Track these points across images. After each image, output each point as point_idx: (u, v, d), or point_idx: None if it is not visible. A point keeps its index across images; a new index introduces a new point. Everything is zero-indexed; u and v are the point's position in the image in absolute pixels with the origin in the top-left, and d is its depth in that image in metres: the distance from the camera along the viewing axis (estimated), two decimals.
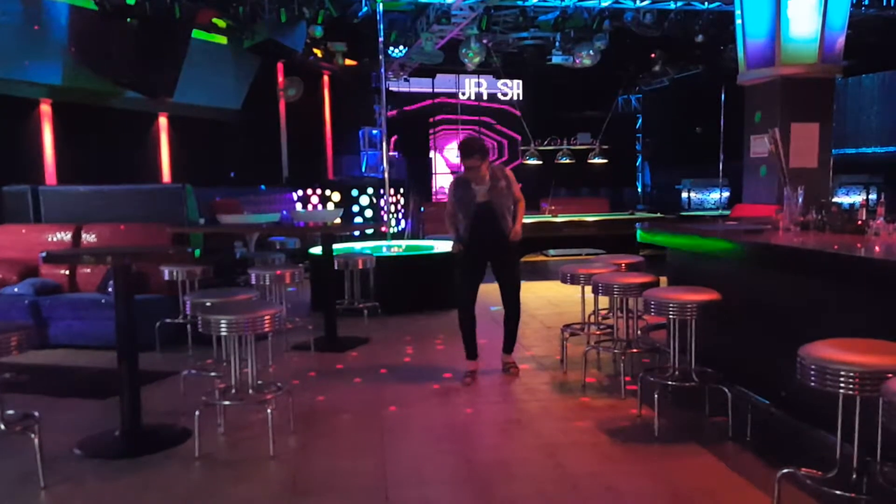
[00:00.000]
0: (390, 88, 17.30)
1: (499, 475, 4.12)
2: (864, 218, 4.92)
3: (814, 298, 4.34)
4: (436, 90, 19.37)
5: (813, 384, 3.11)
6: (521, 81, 19.67)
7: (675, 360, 4.85)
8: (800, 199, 5.32)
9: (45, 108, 10.05)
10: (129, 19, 9.83)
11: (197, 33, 11.41)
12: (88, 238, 7.86)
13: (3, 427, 4.05)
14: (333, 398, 5.59)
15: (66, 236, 7.88)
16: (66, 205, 8.41)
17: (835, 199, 9.76)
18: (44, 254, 4.79)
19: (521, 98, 19.96)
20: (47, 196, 8.53)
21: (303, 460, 4.36)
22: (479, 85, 19.81)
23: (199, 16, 10.93)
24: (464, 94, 19.82)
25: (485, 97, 19.95)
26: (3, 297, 7.39)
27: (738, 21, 9.23)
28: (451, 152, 19.61)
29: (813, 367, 3.11)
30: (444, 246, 8.90)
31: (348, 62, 15.35)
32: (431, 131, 19.52)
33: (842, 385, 3.01)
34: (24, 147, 9.78)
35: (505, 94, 20.15)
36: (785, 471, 3.49)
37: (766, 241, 4.85)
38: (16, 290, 7.47)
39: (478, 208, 5.88)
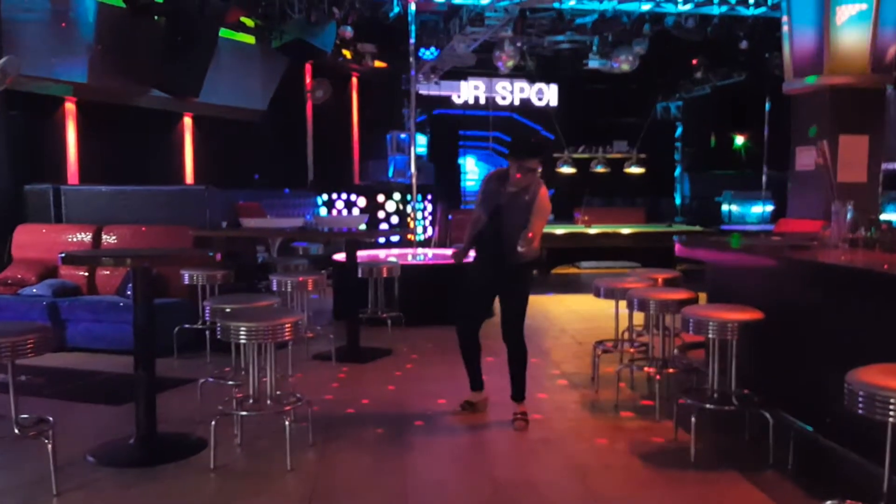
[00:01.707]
0: (420, 91, 17.18)
1: (525, 496, 4.00)
2: None
3: (863, 321, 4.16)
4: (508, 94, 19.07)
5: (860, 412, 2.96)
6: (555, 85, 19.24)
7: (713, 382, 4.68)
8: (849, 215, 5.08)
9: (70, 107, 10.06)
10: (156, 17, 9.79)
11: (224, 32, 11.38)
12: (109, 239, 7.83)
13: (17, 431, 4.03)
14: (354, 411, 5.47)
15: (87, 237, 7.85)
16: (88, 205, 8.41)
17: (883, 217, 9.46)
18: (63, 255, 4.70)
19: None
20: (69, 196, 8.53)
21: (321, 475, 4.26)
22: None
23: (227, 15, 10.88)
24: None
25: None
26: (22, 298, 7.41)
27: (785, 27, 9.02)
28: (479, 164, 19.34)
29: (861, 393, 2.96)
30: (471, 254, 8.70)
31: (378, 64, 15.25)
32: (461, 143, 19.23)
33: (891, 413, 2.87)
34: (48, 145, 9.81)
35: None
36: (828, 502, 3.38)
37: (812, 258, 4.72)
38: (34, 290, 7.47)
39: (497, 209, 5.06)
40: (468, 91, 18.97)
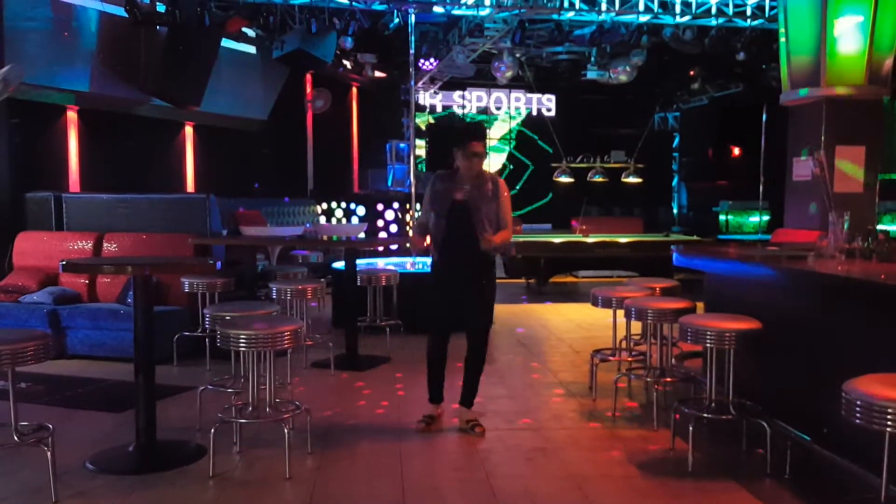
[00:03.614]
0: (419, 101, 17.20)
1: None
2: None
3: (860, 330, 4.17)
4: (466, 104, 19.10)
5: (858, 421, 2.96)
6: (553, 96, 19.32)
7: (711, 391, 4.69)
8: (845, 226, 5.10)
9: (72, 115, 10.10)
10: (157, 27, 9.83)
11: (226, 42, 11.41)
12: (110, 247, 7.82)
13: (16, 439, 4.02)
14: (353, 419, 5.47)
15: (87, 245, 7.84)
16: (89, 213, 8.39)
17: (880, 227, 9.50)
18: (63, 262, 4.70)
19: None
20: (70, 203, 8.51)
21: (320, 483, 4.24)
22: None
23: (228, 24, 10.91)
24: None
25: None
26: (23, 306, 7.39)
27: (782, 39, 9.04)
28: None
29: (858, 402, 2.97)
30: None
31: (378, 74, 15.30)
32: None
33: (889, 423, 2.88)
34: (49, 153, 9.83)
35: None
36: None
37: (810, 268, 4.70)
38: (35, 298, 7.45)
39: (452, 207, 4.95)
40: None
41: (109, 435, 4.96)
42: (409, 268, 9.27)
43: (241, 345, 4.28)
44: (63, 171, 9.95)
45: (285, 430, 4.39)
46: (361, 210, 14.36)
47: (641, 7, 11.78)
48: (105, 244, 7.84)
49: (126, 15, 9.80)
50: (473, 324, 5.10)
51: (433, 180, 5.13)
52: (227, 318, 4.86)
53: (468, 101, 19.01)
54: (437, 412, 5.27)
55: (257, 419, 4.67)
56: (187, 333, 6.93)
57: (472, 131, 4.99)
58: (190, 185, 12.50)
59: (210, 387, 5.58)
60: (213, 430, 4.40)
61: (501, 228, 5.03)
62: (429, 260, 5.44)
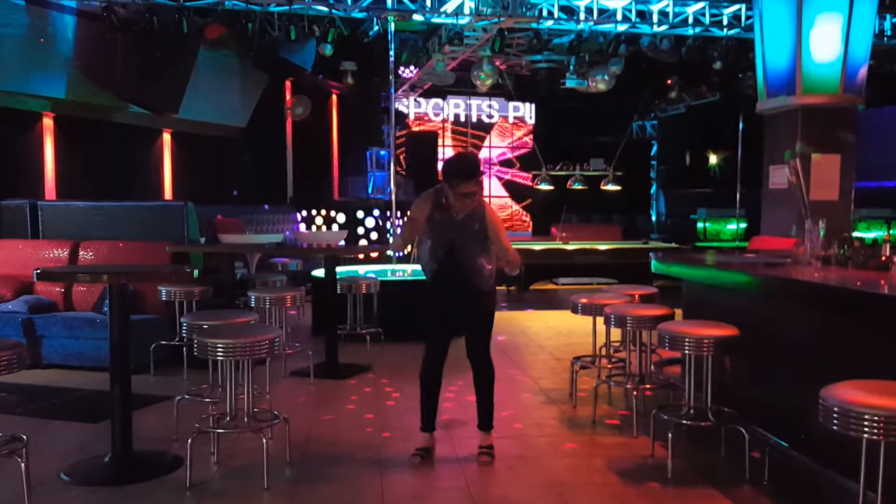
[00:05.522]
0: (399, 109, 17.20)
1: None
2: (887, 254, 4.77)
3: (837, 337, 4.21)
4: (446, 111, 19.10)
5: (835, 427, 2.99)
6: (533, 105, 19.39)
7: (689, 398, 4.71)
8: (821, 233, 5.16)
9: (48, 122, 10.02)
10: (135, 33, 9.78)
11: (204, 49, 11.36)
12: (86, 255, 7.72)
13: None
14: (332, 428, 5.42)
15: (63, 253, 7.74)
16: (65, 220, 8.30)
17: (855, 234, 9.61)
18: (38, 271, 4.64)
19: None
20: (46, 211, 8.41)
21: (299, 494, 4.21)
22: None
23: (207, 31, 10.87)
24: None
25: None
26: None
27: (759, 48, 9.13)
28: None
29: (835, 409, 2.99)
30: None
31: (357, 82, 15.29)
32: (441, 159, 19.17)
33: (866, 429, 2.90)
34: (25, 161, 9.74)
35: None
36: None
37: (786, 275, 4.75)
38: (9, 307, 7.33)
39: (452, 243, 4.64)
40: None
41: (85, 445, 4.91)
42: (389, 276, 9.25)
43: (219, 354, 4.25)
44: (39, 178, 9.85)
45: (264, 441, 4.34)
46: (342, 217, 14.31)
47: (619, 16, 11.85)
48: (81, 252, 7.74)
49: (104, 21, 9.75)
50: (469, 344, 4.85)
51: (431, 203, 4.70)
52: (205, 326, 4.81)
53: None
54: (431, 443, 4.85)
55: (235, 429, 4.63)
56: (164, 342, 6.86)
57: (464, 169, 4.56)
58: (168, 193, 12.43)
59: (187, 396, 5.52)
60: (190, 441, 4.35)
61: (502, 256, 4.80)
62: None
